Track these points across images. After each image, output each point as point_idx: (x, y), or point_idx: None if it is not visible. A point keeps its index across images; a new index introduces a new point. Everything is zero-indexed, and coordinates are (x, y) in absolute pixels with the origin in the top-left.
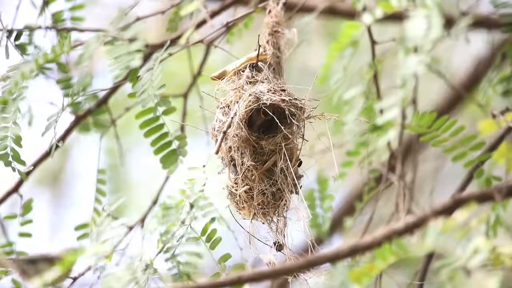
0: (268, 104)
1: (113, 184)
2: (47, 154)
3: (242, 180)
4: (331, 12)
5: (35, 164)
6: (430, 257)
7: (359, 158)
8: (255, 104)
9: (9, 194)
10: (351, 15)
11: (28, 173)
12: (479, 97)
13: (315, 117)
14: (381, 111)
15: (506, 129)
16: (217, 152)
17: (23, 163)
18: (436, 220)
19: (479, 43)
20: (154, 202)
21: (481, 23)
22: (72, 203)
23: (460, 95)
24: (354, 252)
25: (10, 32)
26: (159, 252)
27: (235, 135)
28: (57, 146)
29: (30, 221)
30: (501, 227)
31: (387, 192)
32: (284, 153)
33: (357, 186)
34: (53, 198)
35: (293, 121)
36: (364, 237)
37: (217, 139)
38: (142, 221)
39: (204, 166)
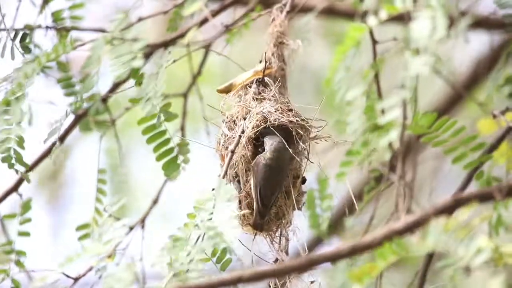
0: (276, 125)
1: (113, 184)
2: (46, 154)
3: (245, 197)
4: (331, 12)
5: (34, 164)
6: (430, 256)
7: (359, 158)
8: (263, 124)
9: (8, 193)
10: (350, 15)
11: (28, 171)
12: (482, 97)
13: (321, 138)
14: (383, 111)
15: (507, 129)
16: (224, 176)
17: (26, 165)
18: (437, 219)
19: (478, 43)
20: (155, 202)
21: (481, 23)
22: (72, 203)
23: (459, 95)
24: (354, 251)
25: (15, 33)
26: (169, 279)
27: (241, 156)
28: (54, 144)
29: (29, 220)
30: (502, 227)
31: (387, 192)
32: (287, 174)
33: (357, 186)
34: (52, 198)
35: (299, 142)
36: (365, 237)
37: (221, 154)
38: (143, 221)
39: (213, 189)
